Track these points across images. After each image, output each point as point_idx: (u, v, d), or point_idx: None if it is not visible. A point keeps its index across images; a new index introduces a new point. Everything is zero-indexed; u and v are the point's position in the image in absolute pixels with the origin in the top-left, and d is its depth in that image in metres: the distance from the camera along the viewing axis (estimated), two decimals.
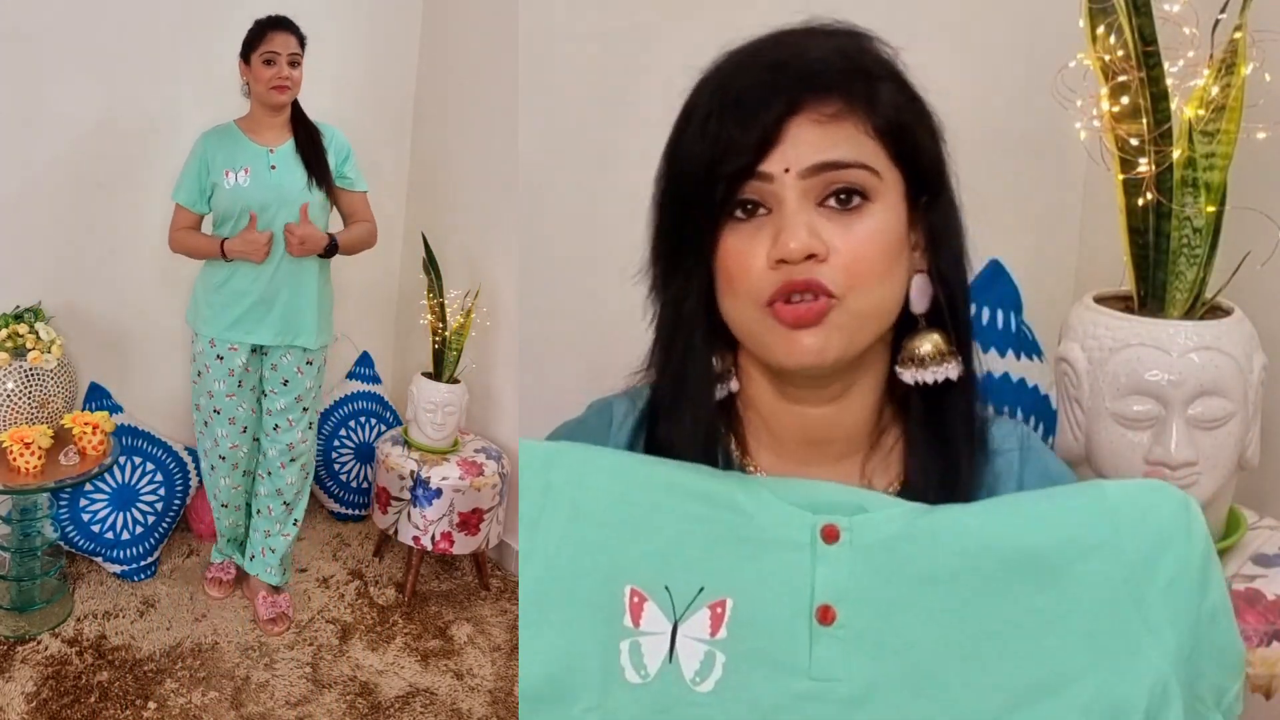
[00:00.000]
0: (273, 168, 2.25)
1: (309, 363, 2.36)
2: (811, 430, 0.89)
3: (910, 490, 0.87)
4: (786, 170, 0.80)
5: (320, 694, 2.15)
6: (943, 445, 0.87)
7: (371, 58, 2.93)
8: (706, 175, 0.82)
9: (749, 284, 0.82)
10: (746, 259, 0.82)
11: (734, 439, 0.92)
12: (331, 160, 2.30)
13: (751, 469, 0.91)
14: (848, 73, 0.81)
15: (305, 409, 2.39)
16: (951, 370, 0.85)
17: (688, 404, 0.88)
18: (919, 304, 0.85)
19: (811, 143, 0.80)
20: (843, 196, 0.80)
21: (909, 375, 0.86)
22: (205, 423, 2.37)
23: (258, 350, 2.33)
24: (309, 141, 2.28)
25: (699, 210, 0.83)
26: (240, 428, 2.37)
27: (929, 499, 0.83)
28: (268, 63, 2.20)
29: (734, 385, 0.90)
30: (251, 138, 2.27)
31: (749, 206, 0.82)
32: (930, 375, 0.85)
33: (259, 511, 2.43)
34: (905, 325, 0.86)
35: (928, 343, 0.85)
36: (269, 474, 2.40)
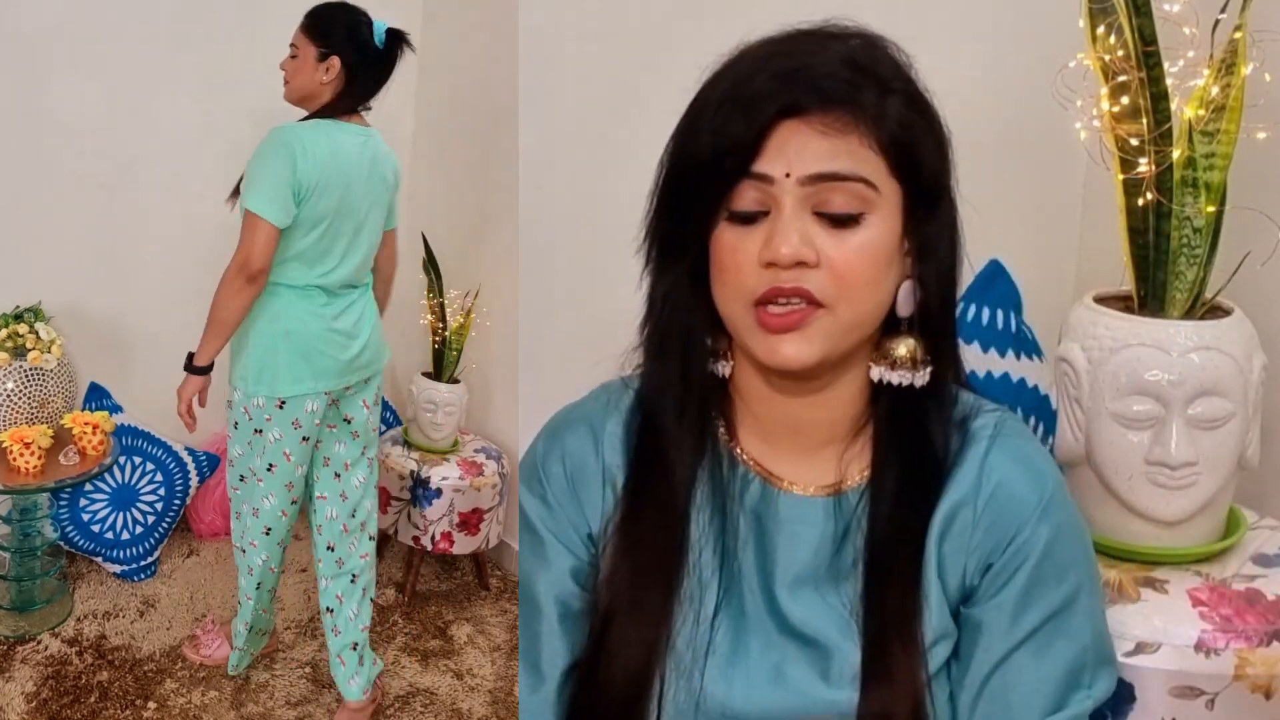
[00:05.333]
0: None
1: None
2: (795, 420, 0.92)
3: (876, 484, 0.90)
4: (788, 175, 0.81)
5: (320, 694, 2.15)
6: (907, 448, 0.90)
7: None
8: (708, 170, 0.84)
9: (739, 281, 0.84)
10: (739, 256, 0.84)
11: (723, 422, 0.95)
12: None
13: (738, 452, 0.94)
14: (857, 84, 0.82)
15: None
16: (919, 378, 0.88)
17: (679, 381, 0.91)
18: (905, 308, 0.88)
19: (814, 152, 0.81)
20: (837, 216, 0.82)
21: (876, 372, 0.89)
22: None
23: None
24: None
25: (699, 203, 0.85)
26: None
27: (891, 496, 0.88)
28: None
29: (725, 368, 0.92)
30: None
31: (750, 215, 0.84)
32: (896, 378, 0.88)
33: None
34: (893, 324, 0.89)
35: (903, 346, 0.88)
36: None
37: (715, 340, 0.92)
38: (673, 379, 0.92)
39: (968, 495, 0.88)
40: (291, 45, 2.00)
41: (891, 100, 0.83)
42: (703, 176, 0.85)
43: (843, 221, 0.82)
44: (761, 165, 0.82)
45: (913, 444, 0.89)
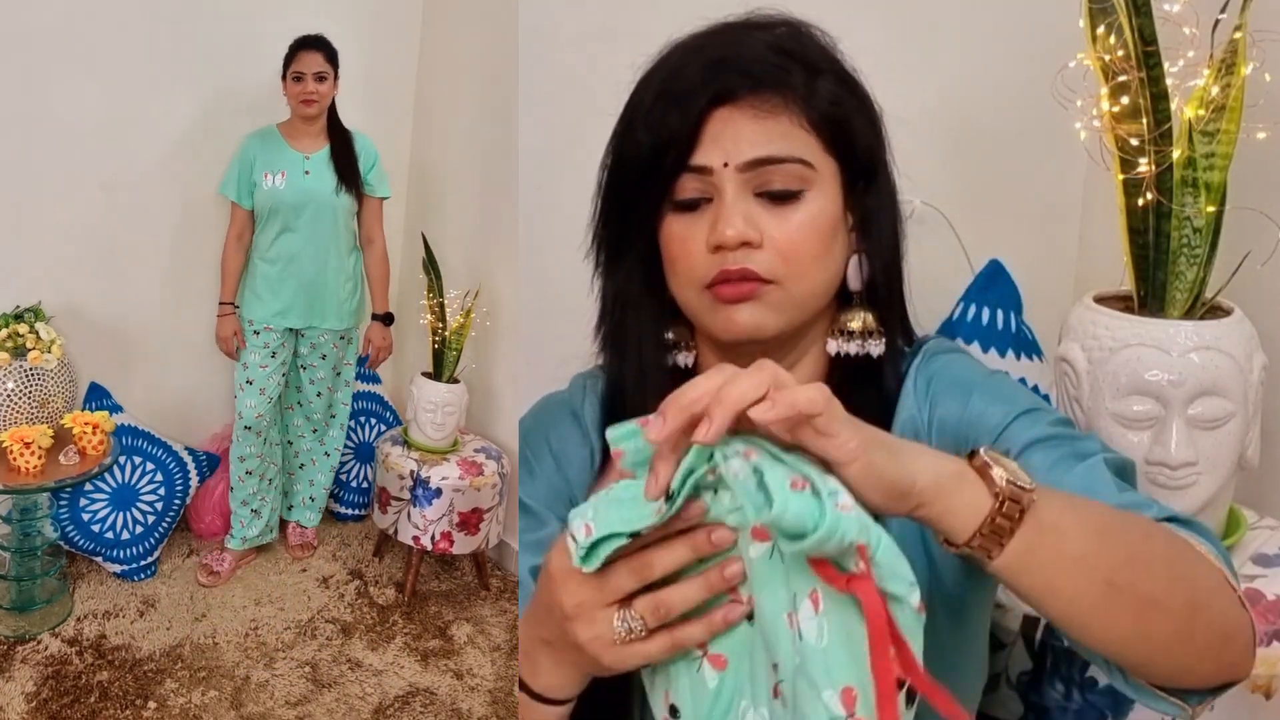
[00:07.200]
0: (306, 173, 2.48)
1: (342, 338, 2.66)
2: None
3: None
4: (725, 164, 0.84)
5: (320, 694, 2.15)
6: (866, 415, 0.90)
7: (371, 58, 2.93)
8: (649, 166, 0.86)
9: (690, 268, 0.87)
10: (688, 244, 0.87)
11: None
12: (360, 166, 2.54)
13: None
14: (785, 68, 0.85)
15: (340, 374, 2.71)
16: (875, 348, 0.90)
17: (636, 376, 0.93)
18: (855, 281, 0.90)
19: (749, 138, 0.84)
20: (777, 194, 0.84)
21: (833, 345, 0.91)
22: (238, 392, 2.57)
23: (294, 331, 2.58)
24: (343, 149, 2.52)
25: (643, 197, 0.88)
26: (268, 399, 2.56)
27: None
28: (296, 79, 2.44)
29: (687, 359, 0.94)
30: (290, 143, 2.50)
31: (693, 203, 0.86)
32: (854, 348, 0.90)
33: (306, 465, 2.76)
34: (848, 299, 0.91)
35: (857, 319, 0.90)
36: (314, 431, 2.75)
37: (676, 333, 0.94)
38: (631, 375, 0.93)
39: (913, 414, 0.89)
40: (319, 73, 2.45)
41: (821, 80, 0.86)
42: (644, 173, 0.87)
43: (784, 198, 0.85)
44: (700, 158, 0.85)
45: (872, 410, 0.90)
